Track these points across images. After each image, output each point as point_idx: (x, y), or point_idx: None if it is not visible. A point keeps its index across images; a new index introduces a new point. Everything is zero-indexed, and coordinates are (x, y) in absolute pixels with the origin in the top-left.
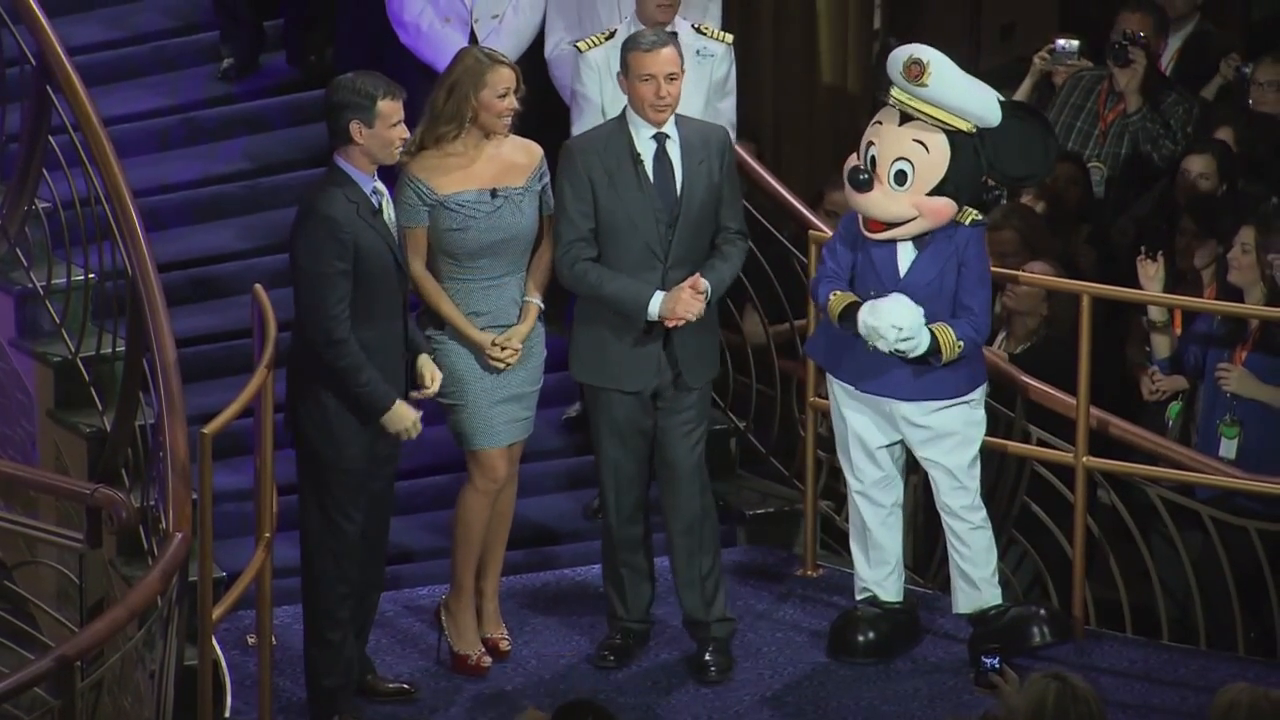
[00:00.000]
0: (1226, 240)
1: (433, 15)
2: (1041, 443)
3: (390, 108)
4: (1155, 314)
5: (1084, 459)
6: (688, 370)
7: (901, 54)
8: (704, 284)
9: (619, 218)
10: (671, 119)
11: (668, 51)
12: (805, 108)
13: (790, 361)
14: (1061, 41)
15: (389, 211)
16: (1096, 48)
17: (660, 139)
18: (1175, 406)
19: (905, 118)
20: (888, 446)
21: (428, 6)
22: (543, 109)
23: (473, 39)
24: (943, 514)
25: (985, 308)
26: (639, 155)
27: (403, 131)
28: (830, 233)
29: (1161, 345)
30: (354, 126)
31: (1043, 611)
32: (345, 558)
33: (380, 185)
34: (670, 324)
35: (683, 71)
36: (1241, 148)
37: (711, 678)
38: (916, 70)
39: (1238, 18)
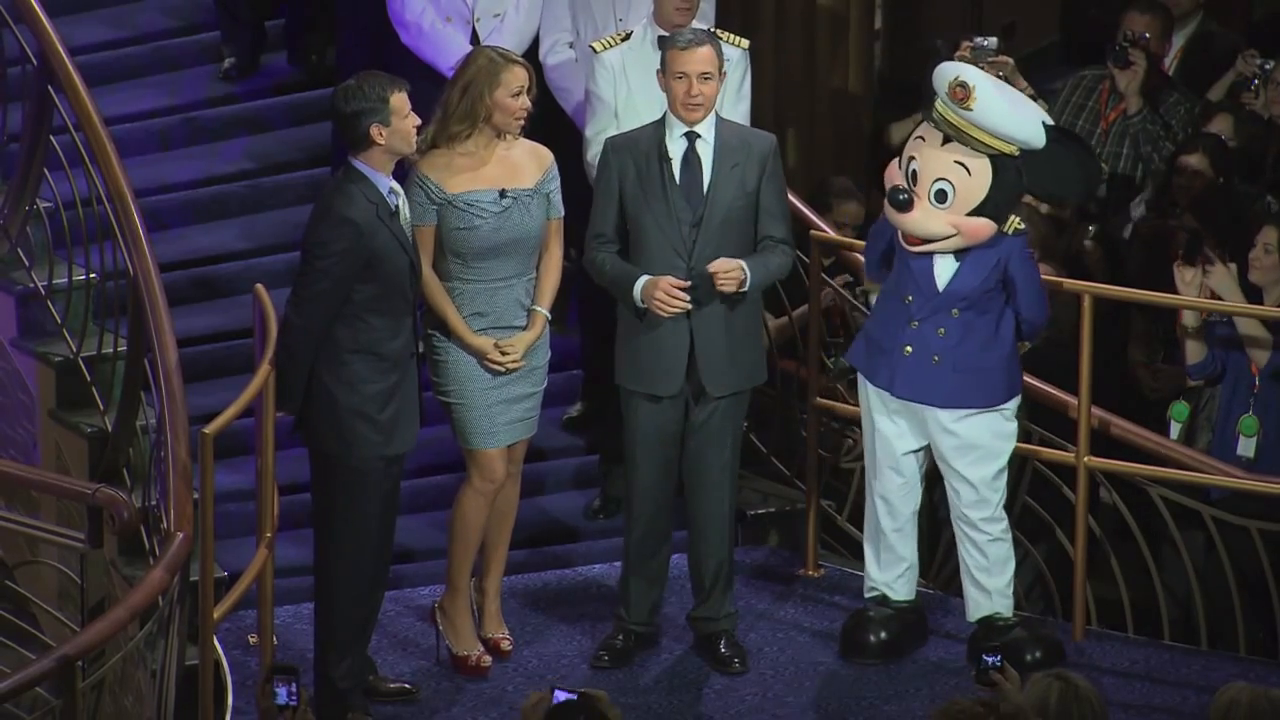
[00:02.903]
0: (1230, 238)
1: (434, 14)
2: (1043, 442)
3: (400, 101)
4: (1189, 318)
5: (1085, 459)
6: (710, 377)
7: (948, 73)
8: (733, 267)
9: (644, 218)
10: (710, 120)
11: (704, 51)
12: (805, 108)
13: (791, 362)
14: (980, 38)
15: (405, 212)
16: (1099, 48)
17: (691, 138)
18: (1177, 406)
19: (948, 137)
20: (914, 452)
21: (429, 6)
22: (542, 113)
23: (474, 38)
24: (961, 525)
25: (1044, 312)
26: (668, 155)
27: (415, 120)
28: (831, 233)
29: (1194, 350)
30: (374, 130)
31: (1040, 637)
32: (360, 557)
33: (396, 185)
34: (663, 310)
35: (720, 73)
36: (1240, 142)
37: (736, 669)
38: (961, 93)
39: (1240, 17)
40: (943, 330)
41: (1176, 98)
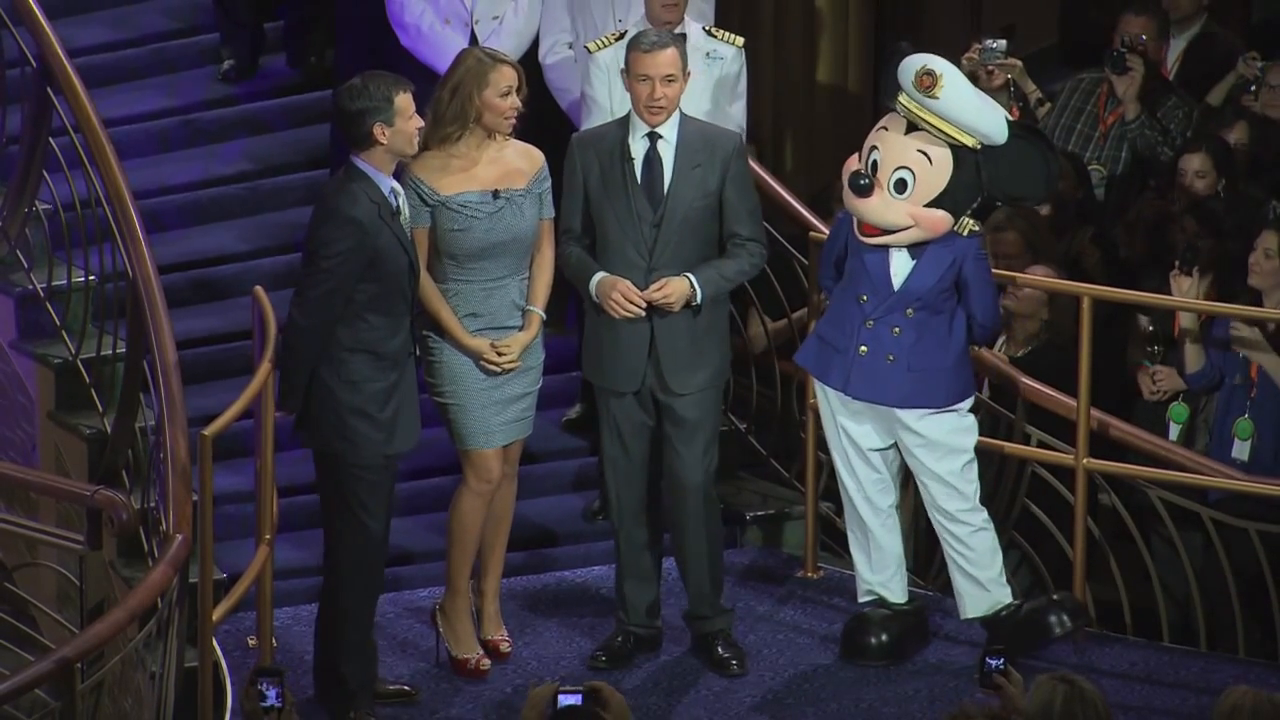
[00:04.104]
0: (1233, 242)
1: (433, 17)
2: (1042, 444)
3: (405, 101)
4: (1188, 323)
5: (1084, 461)
6: (672, 375)
7: (915, 63)
8: (671, 292)
9: (606, 215)
10: (674, 121)
11: (667, 54)
12: (805, 108)
13: (790, 363)
14: (989, 40)
15: (406, 213)
16: (1098, 50)
17: (653, 139)
18: (1176, 408)
19: (911, 126)
20: (881, 450)
21: (428, 8)
22: (541, 114)
23: (473, 40)
24: (940, 520)
25: (996, 316)
26: (630, 155)
27: (419, 121)
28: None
29: (1193, 358)
30: (377, 129)
31: (1056, 600)
32: (369, 556)
33: (397, 185)
34: (615, 312)
35: (684, 74)
36: (1251, 146)
37: (734, 670)
38: (928, 81)
39: (1239, 19)
40: (898, 329)
41: (1175, 101)
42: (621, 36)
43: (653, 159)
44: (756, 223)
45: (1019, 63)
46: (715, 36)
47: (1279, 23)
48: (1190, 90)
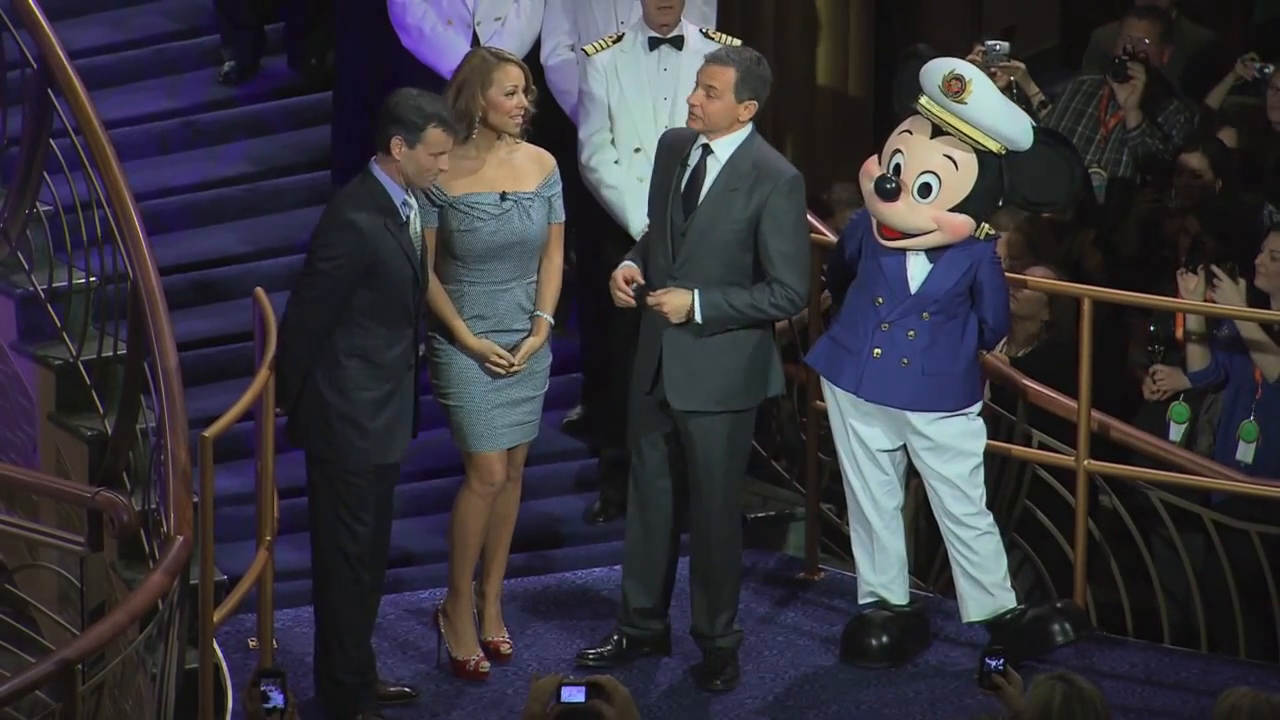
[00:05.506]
0: (1232, 242)
1: (434, 18)
2: (1043, 446)
3: (438, 137)
4: (1194, 324)
5: (1085, 462)
6: (670, 387)
7: (942, 67)
8: (665, 301)
9: (652, 213)
10: (733, 140)
11: (714, 66)
12: (805, 110)
13: (791, 364)
14: (992, 42)
15: (416, 225)
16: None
17: (705, 152)
18: (1177, 408)
19: (936, 130)
20: (889, 452)
21: (429, 9)
22: (544, 116)
23: (475, 42)
24: (946, 523)
25: (1007, 320)
26: (686, 161)
27: (444, 163)
28: (831, 236)
29: (1196, 356)
30: (395, 142)
31: (1059, 608)
32: (358, 558)
33: (410, 198)
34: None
35: (736, 97)
36: (1244, 148)
37: (716, 688)
38: (957, 86)
39: (1241, 20)
40: (913, 333)
41: (1176, 105)
42: (619, 39)
43: (699, 171)
44: (789, 266)
45: (1022, 65)
46: (712, 39)
47: None
48: (1188, 91)
